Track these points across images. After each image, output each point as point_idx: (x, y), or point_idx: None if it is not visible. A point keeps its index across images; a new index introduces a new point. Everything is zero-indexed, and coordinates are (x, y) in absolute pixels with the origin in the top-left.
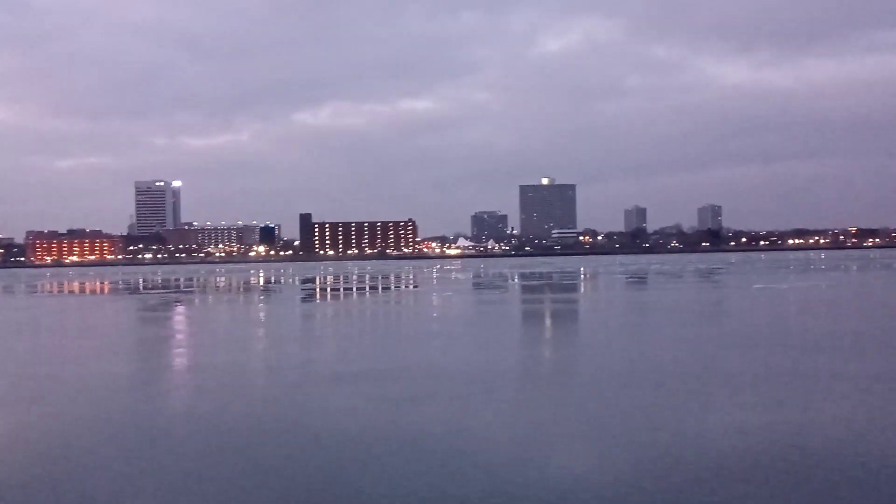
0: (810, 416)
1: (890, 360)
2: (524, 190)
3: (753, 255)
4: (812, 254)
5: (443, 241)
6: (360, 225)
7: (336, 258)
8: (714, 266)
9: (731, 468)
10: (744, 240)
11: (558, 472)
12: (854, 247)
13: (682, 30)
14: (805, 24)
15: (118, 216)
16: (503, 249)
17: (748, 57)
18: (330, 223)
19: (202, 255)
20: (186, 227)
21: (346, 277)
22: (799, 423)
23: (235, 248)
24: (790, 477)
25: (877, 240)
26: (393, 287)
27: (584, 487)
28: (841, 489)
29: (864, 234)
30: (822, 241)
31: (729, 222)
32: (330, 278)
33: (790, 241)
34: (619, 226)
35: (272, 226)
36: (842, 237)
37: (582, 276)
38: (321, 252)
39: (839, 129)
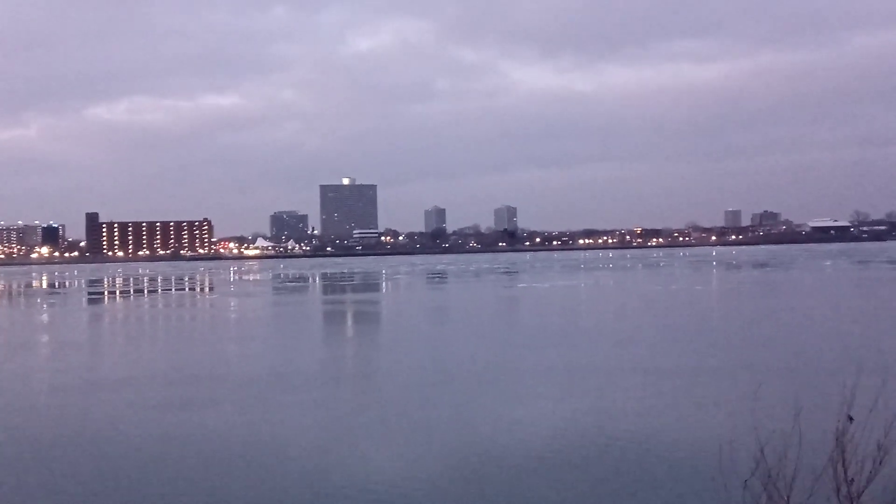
0: (605, 405)
1: (655, 351)
2: (325, 190)
3: (544, 254)
4: (600, 253)
5: (241, 241)
6: (151, 225)
7: (125, 259)
8: (496, 266)
9: (540, 457)
10: (538, 240)
11: (346, 472)
12: (639, 246)
13: (490, 34)
14: (607, 33)
15: None
16: (303, 250)
17: (553, 62)
18: (119, 223)
19: None
20: None
21: (126, 280)
22: (598, 411)
23: (16, 250)
24: (589, 463)
25: (660, 240)
26: (175, 290)
27: (386, 484)
28: (629, 473)
29: (648, 234)
30: (610, 240)
31: (524, 223)
32: (108, 281)
33: (581, 241)
34: (419, 226)
35: (56, 226)
36: (628, 237)
37: (378, 275)
38: (110, 253)
39: (635, 133)
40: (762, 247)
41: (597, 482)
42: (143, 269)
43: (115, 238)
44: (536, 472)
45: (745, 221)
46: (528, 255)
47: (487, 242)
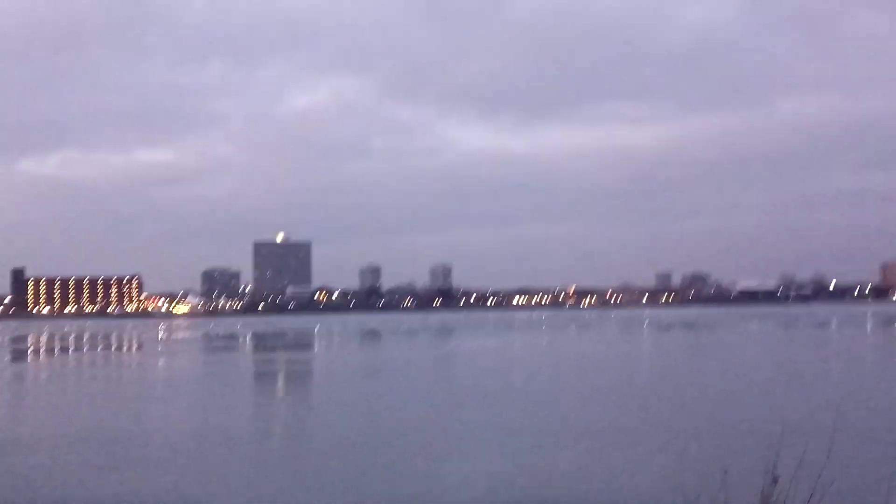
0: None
1: (582, 412)
2: (258, 247)
3: (479, 314)
4: (534, 314)
5: (171, 297)
6: (79, 280)
7: (52, 316)
8: (430, 325)
9: None
10: (473, 297)
11: None
12: (572, 306)
13: (429, 92)
14: (543, 94)
15: None
16: (234, 308)
17: (491, 122)
18: (47, 278)
19: None
20: None
21: (51, 337)
22: (522, 474)
23: None
24: None
25: (593, 299)
26: (101, 348)
27: None
28: None
29: (581, 293)
30: (544, 299)
31: (460, 280)
32: (32, 338)
33: (515, 299)
34: (354, 283)
35: None
36: (561, 297)
37: (310, 334)
38: (35, 310)
39: (570, 193)
40: (691, 309)
41: None
42: (70, 327)
43: (42, 294)
44: None
45: (676, 282)
46: (462, 315)
47: (423, 300)
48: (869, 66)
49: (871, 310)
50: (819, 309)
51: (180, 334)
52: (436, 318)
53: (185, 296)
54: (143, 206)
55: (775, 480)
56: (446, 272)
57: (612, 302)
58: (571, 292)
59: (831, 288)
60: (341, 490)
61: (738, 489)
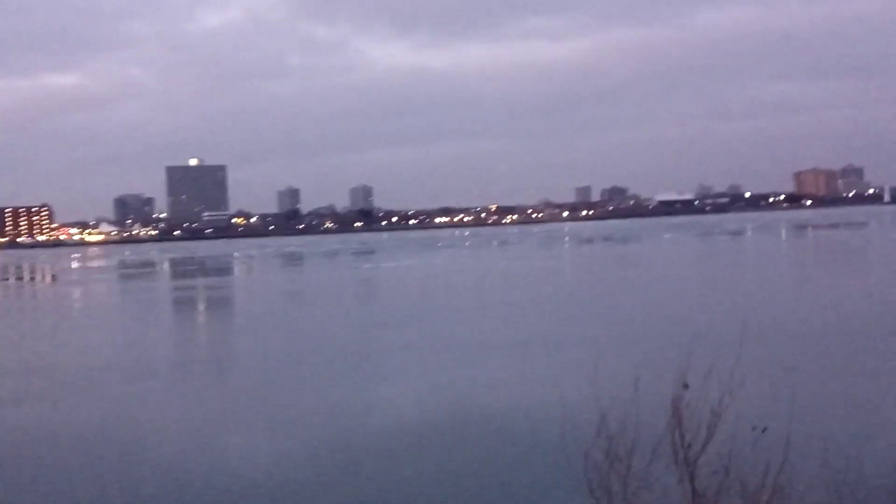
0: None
1: (503, 326)
2: (171, 171)
3: (400, 233)
4: (456, 231)
5: (83, 226)
6: None
7: None
8: (351, 247)
9: (388, 435)
10: (395, 219)
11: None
12: (494, 224)
13: (344, 10)
14: (462, 10)
15: None
16: (150, 234)
17: (408, 39)
18: None
19: None
20: None
21: None
22: (445, 388)
23: None
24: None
25: (514, 217)
26: (14, 279)
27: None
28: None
29: (503, 211)
30: (466, 218)
31: (381, 202)
32: None
33: (438, 220)
34: (272, 207)
35: None
36: (483, 215)
37: (228, 259)
38: None
39: (490, 111)
40: (611, 221)
41: (444, 457)
42: None
43: None
44: (387, 451)
45: (596, 197)
46: (384, 235)
47: (343, 222)
48: None
49: (784, 216)
50: (735, 217)
51: (94, 263)
52: (357, 239)
53: (97, 224)
54: (51, 132)
55: (686, 386)
56: (367, 193)
57: (533, 218)
58: (494, 210)
59: (747, 196)
60: (275, 413)
61: (650, 397)
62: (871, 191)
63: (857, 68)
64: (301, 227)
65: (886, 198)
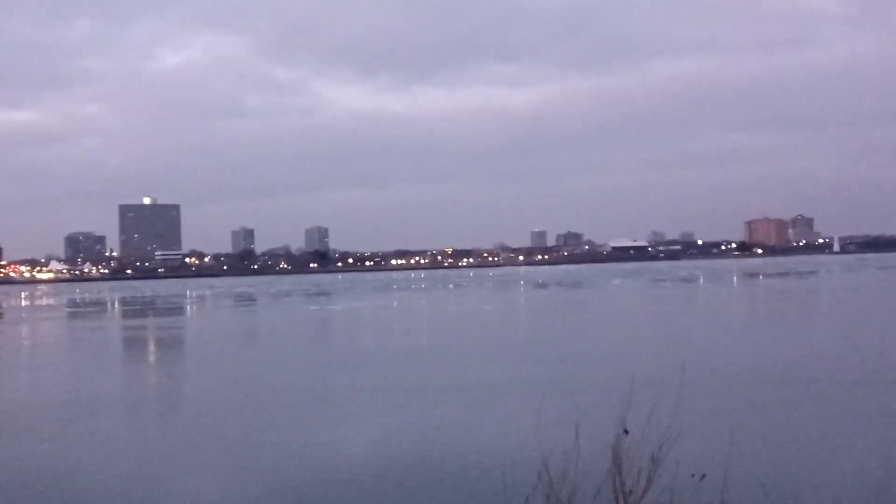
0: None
1: (450, 369)
2: (124, 210)
3: (355, 275)
4: (412, 274)
5: (33, 264)
6: None
7: None
8: (305, 288)
9: (328, 478)
10: (350, 261)
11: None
12: (450, 266)
13: (305, 52)
14: (422, 55)
15: None
16: (101, 273)
17: (368, 83)
18: None
19: None
20: None
21: None
22: (390, 431)
23: None
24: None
25: (470, 260)
26: None
27: None
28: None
29: (459, 254)
30: (422, 261)
31: (336, 244)
32: None
33: (393, 262)
34: (227, 247)
35: None
36: (439, 258)
37: (179, 298)
38: None
39: (448, 155)
40: (565, 266)
41: (384, 500)
42: None
43: None
44: (321, 499)
45: (551, 242)
46: (339, 276)
47: (298, 264)
48: (740, 29)
49: (735, 264)
50: (686, 264)
51: (44, 301)
52: (311, 280)
53: (48, 262)
54: (3, 169)
55: (626, 433)
56: (322, 234)
57: (489, 261)
58: (450, 253)
59: (699, 243)
60: (223, 453)
61: (591, 443)
62: (820, 240)
63: (810, 120)
64: (255, 267)
65: (836, 247)
